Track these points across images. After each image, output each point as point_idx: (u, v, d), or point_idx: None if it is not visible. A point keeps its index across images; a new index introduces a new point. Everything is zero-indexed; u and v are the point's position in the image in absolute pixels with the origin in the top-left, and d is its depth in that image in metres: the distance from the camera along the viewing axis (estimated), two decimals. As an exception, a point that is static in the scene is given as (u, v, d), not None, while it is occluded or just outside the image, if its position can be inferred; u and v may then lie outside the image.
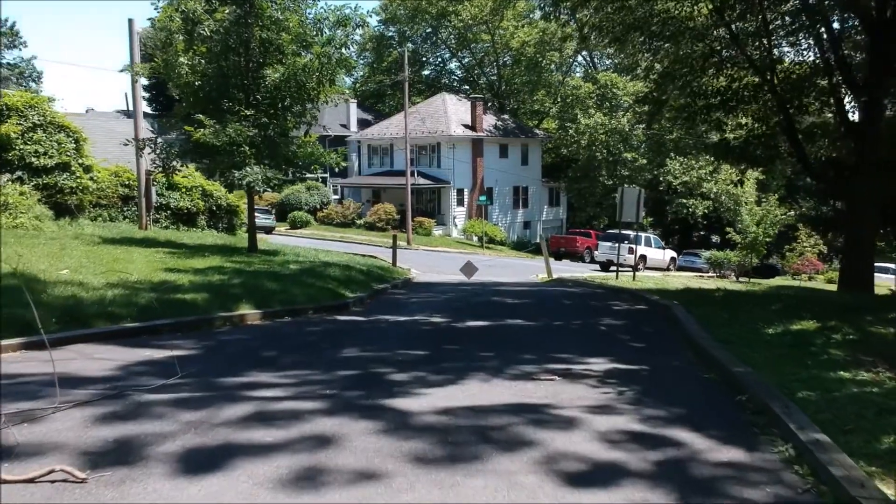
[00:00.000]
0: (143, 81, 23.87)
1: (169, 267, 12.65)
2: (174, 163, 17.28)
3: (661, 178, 45.92)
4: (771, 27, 15.54)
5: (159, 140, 17.60)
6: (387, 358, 6.43)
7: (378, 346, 7.05)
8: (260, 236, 30.30)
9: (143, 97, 54.13)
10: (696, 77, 16.22)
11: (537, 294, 13.90)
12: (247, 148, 15.84)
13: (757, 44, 16.03)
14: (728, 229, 30.22)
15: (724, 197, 45.16)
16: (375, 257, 25.46)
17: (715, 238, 67.18)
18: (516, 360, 6.40)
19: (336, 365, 6.08)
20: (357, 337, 7.83)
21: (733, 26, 15.61)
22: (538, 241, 48.62)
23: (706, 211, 45.77)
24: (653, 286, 21.75)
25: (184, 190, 24.17)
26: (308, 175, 18.34)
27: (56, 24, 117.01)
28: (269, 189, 16.70)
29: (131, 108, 33.32)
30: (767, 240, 28.21)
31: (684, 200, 45.24)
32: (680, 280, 25.27)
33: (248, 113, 16.13)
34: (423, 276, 22.18)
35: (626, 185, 24.71)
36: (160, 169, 17.54)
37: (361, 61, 69.79)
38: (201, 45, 16.48)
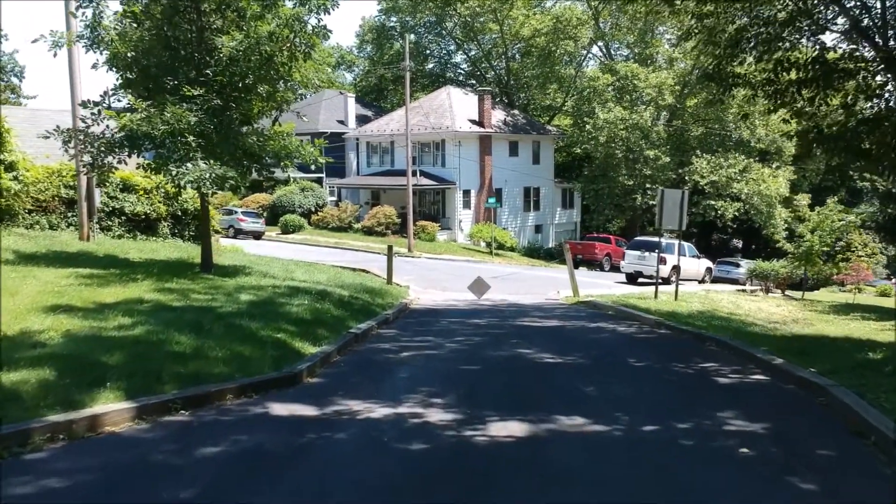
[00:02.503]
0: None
1: (60, 303, 8.89)
2: (109, 159, 13.47)
3: (685, 178, 41.96)
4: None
5: (91, 130, 13.75)
6: None
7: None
8: (239, 244, 26.52)
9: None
10: (778, 43, 12.40)
11: (580, 338, 10.02)
12: (191, 138, 12.06)
13: (857, 2, 12.22)
14: (777, 238, 26.34)
15: (755, 198, 41.26)
16: (368, 272, 21.62)
17: (736, 241, 63.23)
18: None
19: None
20: (275, 485, 3.99)
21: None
22: (550, 246, 44.67)
23: (736, 213, 41.79)
24: (700, 307, 17.92)
25: (142, 192, 20.38)
26: (278, 174, 14.51)
27: (40, 17, 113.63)
28: (220, 190, 12.89)
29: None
30: (825, 249, 24.27)
31: (713, 202, 41.23)
32: (727, 298, 21.48)
33: (196, 93, 12.33)
34: (425, 296, 18.37)
35: (665, 187, 20.89)
36: (90, 167, 13.77)
37: (361, 55, 66.12)
38: (135, 4, 12.74)
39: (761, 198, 41.07)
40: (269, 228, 40.28)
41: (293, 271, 16.80)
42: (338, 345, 8.29)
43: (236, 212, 38.85)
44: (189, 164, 11.69)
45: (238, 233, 37.16)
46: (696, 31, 14.35)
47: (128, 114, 11.76)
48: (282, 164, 14.00)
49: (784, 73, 12.05)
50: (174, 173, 11.75)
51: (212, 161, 12.10)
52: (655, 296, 18.88)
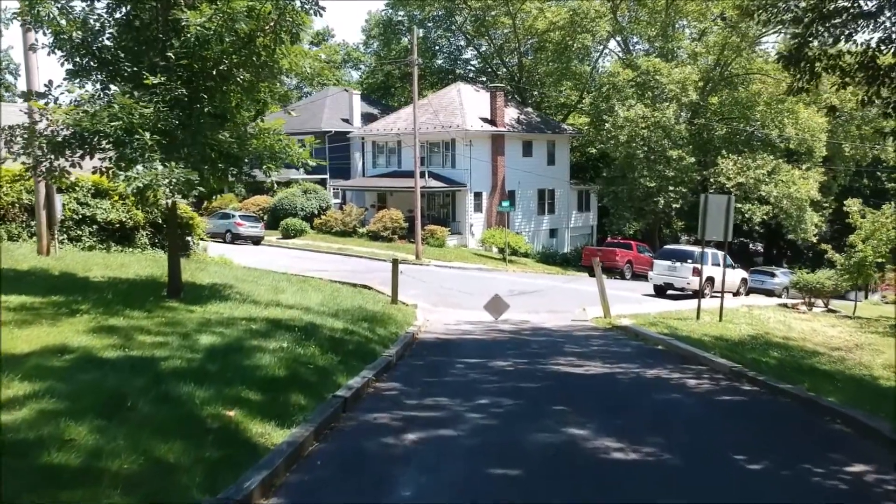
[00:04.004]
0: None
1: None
2: (60, 161, 11.17)
3: (710, 179, 39.45)
4: None
5: (39, 127, 11.42)
6: None
7: None
8: (232, 252, 24.17)
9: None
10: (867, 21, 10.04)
11: (643, 403, 7.55)
12: (146, 134, 9.73)
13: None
14: (825, 247, 23.91)
15: (785, 201, 38.66)
16: (371, 287, 19.25)
17: (756, 245, 60.59)
18: None
19: None
20: None
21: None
22: (566, 251, 42.19)
23: (764, 217, 39.20)
24: (749, 330, 15.52)
25: (116, 197, 18.10)
26: (261, 178, 12.09)
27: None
28: (184, 198, 10.55)
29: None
30: (879, 260, 21.84)
31: (739, 205, 38.64)
32: (774, 316, 19.07)
33: (155, 81, 10.02)
34: (434, 316, 16.03)
35: (710, 193, 18.51)
36: (33, 170, 11.47)
37: (367, 51, 63.91)
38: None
39: (791, 201, 38.50)
40: (270, 232, 38.12)
41: (283, 291, 14.49)
42: (317, 423, 5.92)
43: (234, 215, 36.64)
44: (140, 167, 9.36)
45: (236, 238, 34.93)
46: (758, 6, 11.99)
47: (62, 106, 9.48)
48: (264, 167, 11.66)
49: (883, 56, 9.70)
50: (121, 177, 9.43)
51: (172, 164, 9.77)
52: (698, 316, 16.52)
